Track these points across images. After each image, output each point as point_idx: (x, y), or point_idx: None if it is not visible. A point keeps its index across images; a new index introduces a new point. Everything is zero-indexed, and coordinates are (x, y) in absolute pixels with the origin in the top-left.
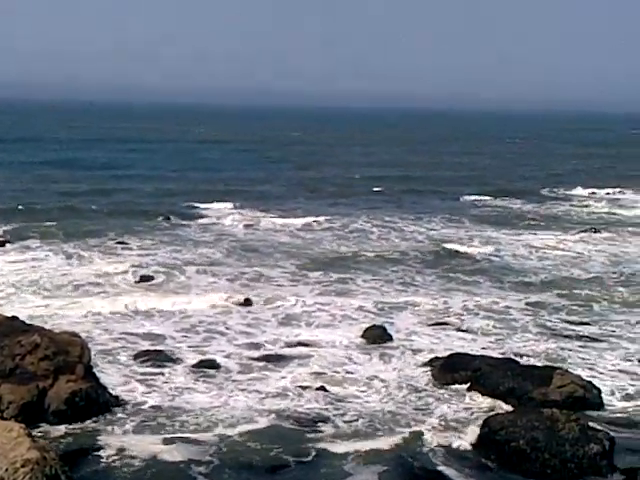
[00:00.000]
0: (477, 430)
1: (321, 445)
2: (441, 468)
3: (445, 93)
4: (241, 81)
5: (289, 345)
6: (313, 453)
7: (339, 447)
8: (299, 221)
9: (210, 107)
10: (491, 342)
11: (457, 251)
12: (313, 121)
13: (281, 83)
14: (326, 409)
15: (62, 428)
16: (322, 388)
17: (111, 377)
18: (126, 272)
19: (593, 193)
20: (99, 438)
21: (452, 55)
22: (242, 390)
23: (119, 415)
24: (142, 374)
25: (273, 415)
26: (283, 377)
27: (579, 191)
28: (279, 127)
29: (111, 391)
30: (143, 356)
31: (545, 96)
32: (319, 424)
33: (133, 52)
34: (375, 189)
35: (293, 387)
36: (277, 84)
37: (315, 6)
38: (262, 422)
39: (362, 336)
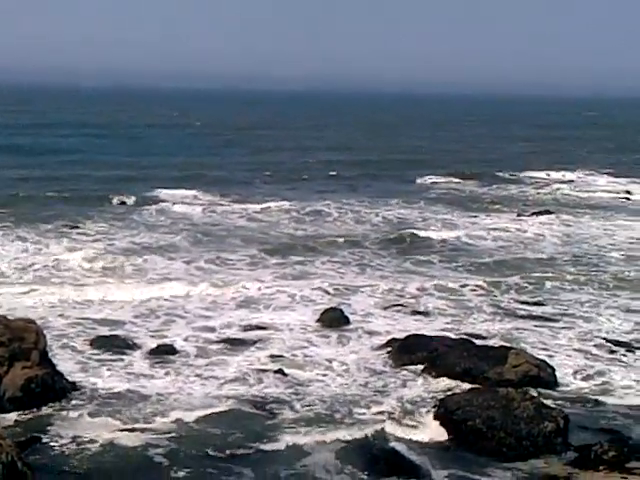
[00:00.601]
0: (434, 411)
1: (280, 430)
2: (399, 449)
3: (401, 77)
4: (195, 64)
5: (247, 328)
6: (272, 438)
7: (298, 432)
8: (257, 205)
9: (164, 90)
10: (447, 323)
11: (413, 233)
12: (270, 104)
13: (241, 66)
14: (285, 393)
15: (17, 415)
16: (280, 371)
17: (67, 363)
18: (82, 258)
19: (548, 175)
20: (55, 424)
21: (409, 40)
22: (200, 375)
23: (76, 401)
24: (99, 360)
25: (232, 400)
26: (241, 361)
27: (535, 173)
28: (234, 111)
29: (67, 377)
30: (100, 342)
31: (504, 79)
32: (278, 408)
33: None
34: (331, 173)
35: (251, 371)
36: (235, 67)
37: None
38: (220, 407)
39: (319, 319)
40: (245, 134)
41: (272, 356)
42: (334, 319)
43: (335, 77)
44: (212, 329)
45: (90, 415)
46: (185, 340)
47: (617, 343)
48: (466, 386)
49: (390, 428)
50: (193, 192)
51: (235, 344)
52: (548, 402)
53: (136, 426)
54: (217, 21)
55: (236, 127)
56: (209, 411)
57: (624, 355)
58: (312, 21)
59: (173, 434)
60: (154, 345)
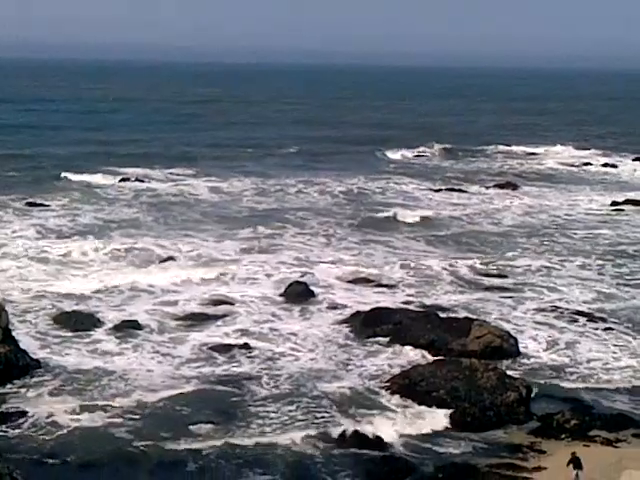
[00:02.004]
0: (399, 382)
1: (246, 405)
2: (368, 419)
3: (367, 50)
4: (157, 37)
5: (213, 303)
6: (238, 414)
7: (265, 407)
8: (222, 182)
9: (122, 64)
10: (411, 295)
11: (377, 207)
12: (233, 79)
13: (201, 39)
14: (251, 367)
15: None
16: (246, 345)
17: (31, 340)
18: (45, 232)
19: (510, 148)
20: (19, 401)
21: (372, 10)
22: (165, 351)
23: (39, 378)
24: (63, 337)
25: (197, 376)
26: (207, 336)
27: (501, 147)
28: (194, 84)
29: (32, 355)
30: (64, 318)
31: (469, 52)
32: (244, 384)
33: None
34: (293, 149)
35: (216, 346)
36: (196, 39)
37: None
38: (186, 384)
39: (284, 292)
40: (208, 108)
41: (238, 330)
42: (299, 292)
43: (298, 49)
44: (177, 304)
45: (53, 393)
46: (149, 315)
47: (578, 313)
48: (430, 358)
49: (356, 399)
50: (156, 169)
51: (200, 319)
52: (511, 372)
53: (98, 404)
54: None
55: (199, 100)
56: (175, 391)
57: (585, 325)
58: None
59: (136, 413)
60: (118, 321)
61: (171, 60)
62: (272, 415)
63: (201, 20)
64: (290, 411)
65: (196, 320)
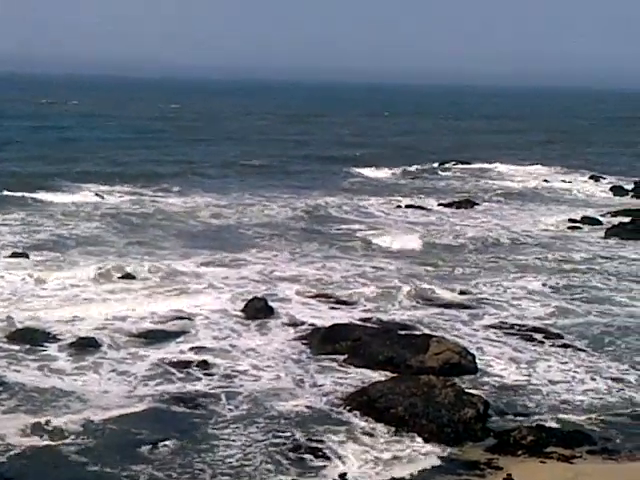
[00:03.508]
0: (358, 398)
1: (202, 426)
2: (319, 438)
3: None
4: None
5: (172, 319)
6: (194, 435)
7: (221, 427)
8: (184, 197)
9: (85, 78)
10: (371, 311)
11: (339, 224)
12: (195, 93)
13: (168, 54)
14: (208, 386)
15: None
16: (204, 363)
17: None
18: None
19: (471, 166)
20: None
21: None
22: (121, 369)
23: None
24: (14, 353)
25: (153, 394)
26: (164, 353)
27: (459, 164)
28: (156, 99)
29: None
30: (17, 334)
31: (429, 70)
32: (201, 403)
33: None
34: (257, 164)
35: (174, 363)
36: (162, 55)
37: None
38: (142, 403)
39: (244, 308)
40: (173, 124)
41: (196, 347)
42: (259, 308)
43: (262, 65)
44: (135, 320)
45: (3, 412)
46: (105, 332)
47: (534, 329)
48: (389, 374)
49: (314, 417)
50: (116, 185)
51: (158, 335)
52: (469, 389)
53: (51, 425)
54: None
55: (162, 117)
56: (130, 410)
57: (542, 342)
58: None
59: (89, 434)
60: (74, 338)
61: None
62: (229, 435)
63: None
64: (250, 432)
65: (154, 337)
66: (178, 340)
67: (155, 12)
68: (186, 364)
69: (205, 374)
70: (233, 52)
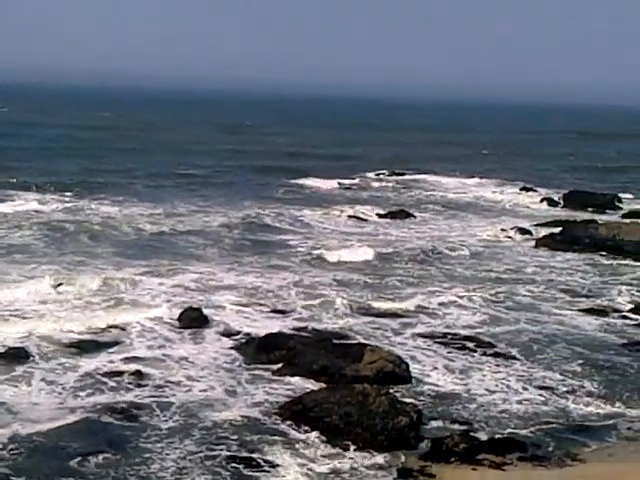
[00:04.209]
0: (293, 408)
1: (135, 438)
2: (255, 448)
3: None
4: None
5: (105, 329)
6: (127, 448)
7: (154, 439)
8: (117, 206)
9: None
10: (306, 320)
11: (273, 233)
12: (127, 102)
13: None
14: (141, 396)
15: None
16: (137, 373)
17: None
18: None
19: (407, 177)
20: None
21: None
22: (53, 380)
23: None
24: None
25: (84, 406)
26: (96, 363)
27: (396, 176)
28: (98, 109)
29: None
30: None
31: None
32: (133, 414)
33: None
34: (193, 174)
35: (106, 374)
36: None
37: None
38: (71, 415)
39: (179, 318)
40: (108, 133)
41: (129, 357)
42: (194, 318)
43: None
44: (67, 330)
45: None
46: (35, 342)
47: (466, 338)
48: (323, 383)
49: (247, 428)
50: (50, 193)
51: (90, 346)
52: (403, 397)
53: None
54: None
55: (101, 126)
56: (61, 422)
57: (474, 350)
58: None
59: (17, 447)
60: (3, 349)
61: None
62: (163, 448)
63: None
64: (185, 444)
65: (86, 347)
66: (111, 350)
67: (66, 17)
68: (119, 374)
69: (138, 384)
70: (166, 60)
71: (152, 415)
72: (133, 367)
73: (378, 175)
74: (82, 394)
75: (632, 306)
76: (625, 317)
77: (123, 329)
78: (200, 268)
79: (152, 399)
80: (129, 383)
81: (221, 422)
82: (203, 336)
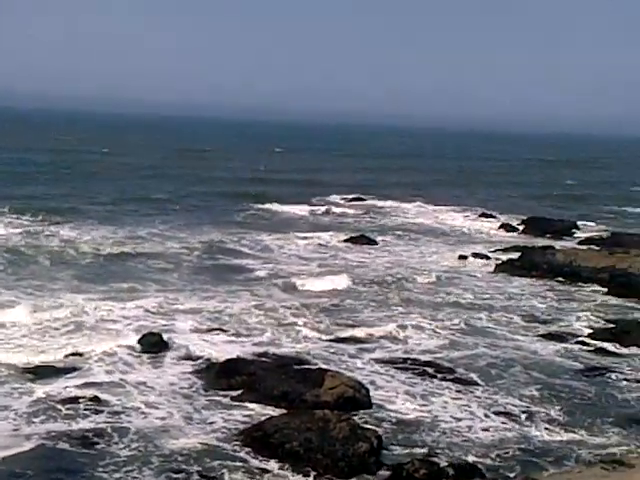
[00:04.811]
0: (253, 434)
1: (93, 466)
2: (214, 475)
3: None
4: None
5: (62, 355)
6: (84, 476)
7: (112, 467)
8: (76, 231)
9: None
10: (266, 345)
11: (234, 257)
12: (89, 127)
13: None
14: (98, 423)
15: None
16: (95, 399)
17: None
18: None
19: (368, 202)
20: None
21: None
22: (5, 405)
23: None
24: None
25: (39, 433)
26: (53, 389)
27: (344, 197)
28: (46, 131)
29: None
30: None
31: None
32: (91, 441)
33: None
34: (151, 196)
35: (63, 400)
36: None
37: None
38: (27, 442)
39: (138, 343)
40: (67, 157)
41: (87, 383)
42: (153, 343)
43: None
44: (24, 355)
45: None
46: None
47: (426, 364)
48: (284, 409)
49: (208, 455)
50: (6, 217)
51: (47, 371)
52: (363, 423)
53: None
54: None
55: (55, 150)
56: (14, 450)
57: (434, 375)
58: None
59: None
60: None
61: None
62: (121, 477)
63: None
64: (143, 473)
65: (43, 373)
66: (69, 376)
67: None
68: (76, 400)
69: (95, 411)
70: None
71: (110, 442)
72: (91, 393)
73: (340, 201)
74: (37, 420)
75: (589, 331)
76: (583, 343)
77: (81, 354)
78: (161, 292)
79: (110, 425)
80: (86, 409)
81: (180, 449)
82: (163, 361)
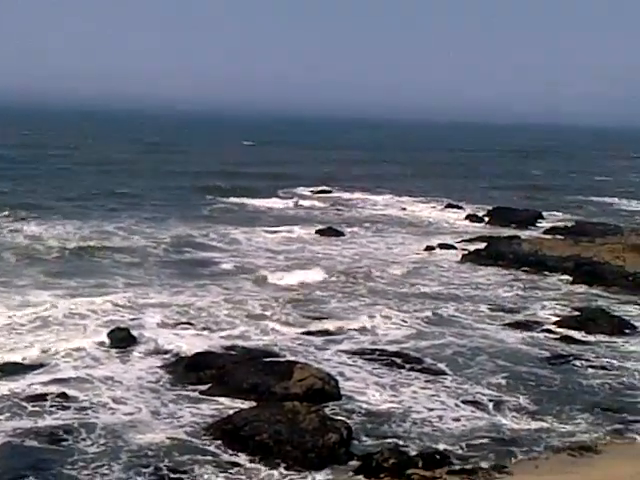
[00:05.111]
0: (223, 427)
1: (60, 462)
2: (185, 469)
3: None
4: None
5: (29, 352)
6: (52, 473)
7: (80, 463)
8: (42, 226)
9: None
10: (234, 338)
11: (201, 250)
12: (55, 122)
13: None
14: (65, 419)
15: None
16: (63, 395)
17: None
18: None
19: (336, 194)
20: None
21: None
22: None
23: None
24: None
25: (5, 430)
26: (21, 386)
27: (311, 190)
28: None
29: None
30: None
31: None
32: (58, 437)
33: None
34: (118, 191)
35: (31, 396)
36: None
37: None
38: None
39: (107, 338)
40: (31, 152)
41: (55, 379)
42: (121, 338)
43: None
44: None
45: None
46: None
47: (395, 354)
48: (254, 402)
49: (178, 449)
50: None
51: (14, 368)
52: (333, 414)
53: None
54: None
55: (20, 145)
56: None
57: (402, 366)
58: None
59: None
60: None
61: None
62: (90, 473)
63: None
64: (112, 468)
65: (10, 370)
66: (36, 372)
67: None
68: (44, 397)
69: (63, 407)
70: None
71: (78, 438)
72: (58, 389)
73: (308, 193)
74: (2, 418)
75: (555, 320)
76: (549, 331)
77: (49, 350)
78: (128, 287)
79: (77, 421)
80: (54, 405)
81: (148, 444)
82: (131, 356)
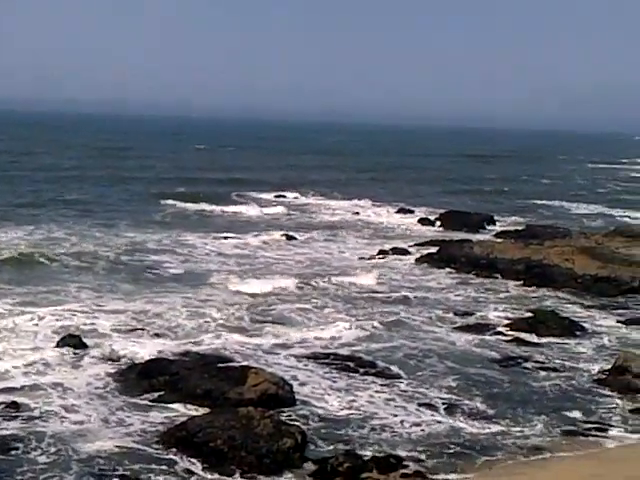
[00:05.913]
0: (176, 434)
1: (9, 474)
2: (142, 477)
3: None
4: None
5: None
6: None
7: (29, 475)
8: None
9: None
10: (189, 345)
11: (153, 255)
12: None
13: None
14: (15, 428)
15: None
16: (13, 404)
17: None
18: None
19: (284, 198)
20: None
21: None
22: None
23: None
24: None
25: None
26: None
27: (266, 195)
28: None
29: None
30: None
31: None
32: (9, 447)
33: None
34: (67, 197)
35: None
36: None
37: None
38: None
39: (58, 346)
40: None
41: (4, 388)
42: (74, 345)
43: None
44: None
45: None
46: None
47: (348, 358)
48: (207, 408)
49: (129, 458)
50: None
51: None
52: (288, 419)
53: None
54: None
55: None
56: None
57: (355, 370)
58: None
59: None
60: None
61: None
62: None
63: None
64: (60, 477)
65: None
66: None
67: None
68: None
69: (12, 416)
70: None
71: (27, 448)
72: (8, 398)
73: (265, 198)
74: None
75: (507, 322)
76: (500, 333)
77: None
78: (80, 293)
79: (27, 430)
80: (2, 415)
81: (100, 453)
82: (83, 363)
